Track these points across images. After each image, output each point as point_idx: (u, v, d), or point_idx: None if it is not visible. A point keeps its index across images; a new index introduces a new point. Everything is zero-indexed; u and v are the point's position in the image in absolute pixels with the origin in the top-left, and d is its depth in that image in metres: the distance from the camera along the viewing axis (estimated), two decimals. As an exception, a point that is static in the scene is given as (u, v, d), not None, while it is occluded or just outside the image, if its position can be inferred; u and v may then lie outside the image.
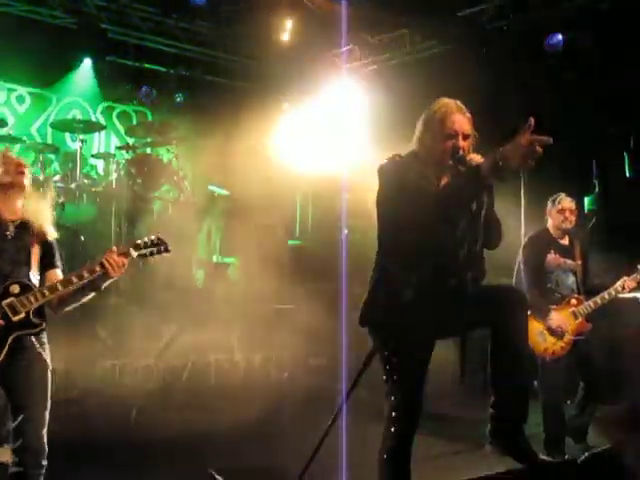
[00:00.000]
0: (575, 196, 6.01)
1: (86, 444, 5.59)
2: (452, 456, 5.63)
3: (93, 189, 7.29)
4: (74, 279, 3.52)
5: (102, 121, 9.69)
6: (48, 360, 3.62)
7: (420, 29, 9.36)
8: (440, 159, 3.44)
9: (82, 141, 7.50)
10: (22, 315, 3.45)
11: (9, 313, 3.42)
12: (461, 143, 3.42)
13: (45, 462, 3.59)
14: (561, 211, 5.66)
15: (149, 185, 7.49)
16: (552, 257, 5.65)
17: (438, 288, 3.44)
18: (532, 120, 3.12)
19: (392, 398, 3.54)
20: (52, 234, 3.74)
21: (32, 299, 3.46)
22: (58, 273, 3.70)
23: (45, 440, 3.57)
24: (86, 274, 3.53)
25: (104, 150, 9.67)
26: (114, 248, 3.61)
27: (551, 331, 5.46)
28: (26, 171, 3.70)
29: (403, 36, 9.78)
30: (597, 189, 8.89)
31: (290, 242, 9.02)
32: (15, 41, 8.72)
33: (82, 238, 6.67)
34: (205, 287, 8.05)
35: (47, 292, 3.50)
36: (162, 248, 3.74)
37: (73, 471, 5.09)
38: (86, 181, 7.32)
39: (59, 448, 5.29)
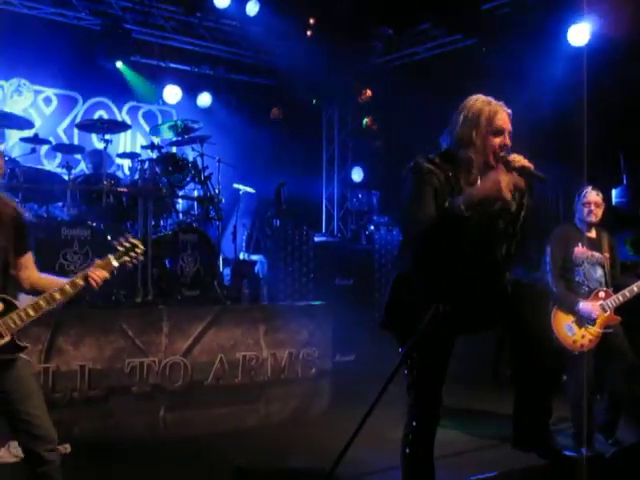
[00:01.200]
0: (603, 189, 5.98)
1: (114, 442, 5.65)
2: (477, 451, 5.60)
3: (119, 189, 7.32)
4: (57, 296, 3.47)
5: (128, 121, 9.76)
6: (26, 357, 3.53)
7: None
8: (487, 158, 3.40)
9: (108, 141, 7.53)
10: (8, 339, 3.37)
11: None
12: (508, 140, 3.41)
13: (63, 450, 3.57)
14: (587, 204, 5.65)
15: (174, 184, 7.51)
16: (579, 250, 5.62)
17: (466, 294, 3.39)
18: (513, 157, 3.25)
19: (412, 393, 3.55)
20: (24, 216, 3.62)
21: (17, 321, 3.38)
22: (30, 256, 3.65)
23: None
24: (69, 289, 3.50)
25: (129, 150, 9.75)
26: (97, 261, 3.59)
27: (581, 321, 5.43)
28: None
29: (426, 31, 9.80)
30: (625, 181, 8.79)
31: (317, 238, 9.00)
32: (41, 43, 8.82)
33: (109, 238, 6.70)
34: (232, 284, 8.06)
35: (32, 312, 3.42)
36: (138, 252, 3.71)
37: (102, 469, 5.16)
38: (112, 181, 7.35)
39: (88, 446, 5.41)
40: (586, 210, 5.66)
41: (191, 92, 10.41)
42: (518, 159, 3.31)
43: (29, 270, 3.63)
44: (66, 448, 5.08)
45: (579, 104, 8.75)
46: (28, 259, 3.64)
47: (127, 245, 3.68)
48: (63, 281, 3.55)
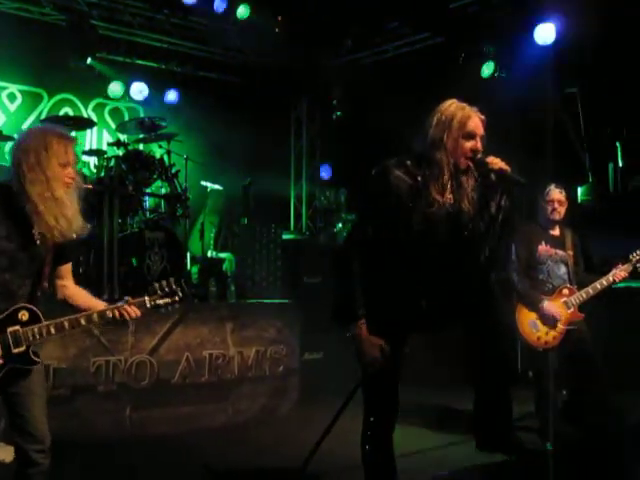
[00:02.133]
0: (568, 187, 6.08)
1: (80, 441, 5.59)
2: (446, 448, 5.64)
3: (85, 186, 7.23)
4: (82, 322, 3.42)
5: (94, 118, 9.68)
6: (39, 359, 3.45)
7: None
8: (458, 160, 3.44)
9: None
10: (22, 348, 3.30)
11: (11, 343, 3.27)
12: (479, 145, 3.46)
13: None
14: (550, 202, 5.73)
15: (141, 181, 7.45)
16: (543, 248, 5.69)
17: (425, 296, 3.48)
18: (491, 160, 3.38)
19: (367, 390, 3.60)
20: (80, 229, 3.57)
21: (37, 335, 3.32)
22: (69, 267, 3.64)
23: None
24: (96, 319, 3.45)
25: (96, 147, 9.65)
26: (130, 299, 3.52)
27: (544, 320, 5.49)
28: None
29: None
30: (590, 179, 8.91)
31: (285, 236, 9.00)
32: (5, 39, 8.70)
33: (73, 236, 6.63)
34: (200, 283, 8.03)
35: (53, 330, 3.35)
36: (176, 300, 3.60)
37: (69, 468, 5.10)
38: (79, 178, 7.27)
39: (55, 445, 5.34)
40: (550, 208, 5.73)
41: (158, 89, 10.34)
42: (495, 162, 3.39)
43: (65, 280, 3.61)
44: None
45: (545, 102, 8.90)
46: (66, 269, 3.62)
47: (167, 290, 3.58)
48: (96, 302, 3.54)
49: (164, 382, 6.25)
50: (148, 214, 7.79)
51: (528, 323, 5.52)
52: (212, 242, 9.22)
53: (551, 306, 5.51)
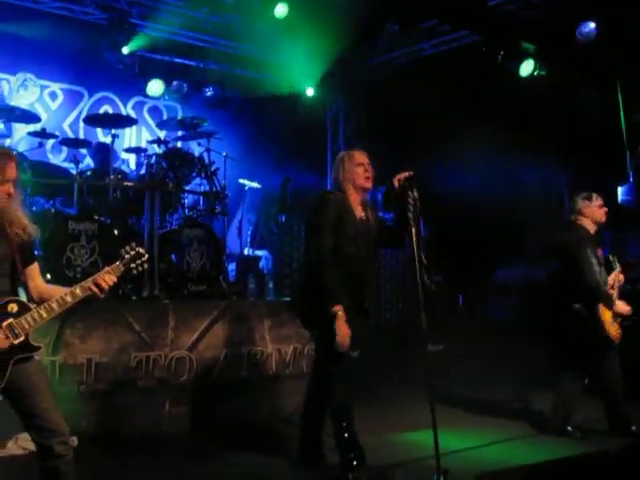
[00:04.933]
0: (608, 187, 6.10)
1: (120, 435, 5.68)
2: (488, 447, 5.64)
3: (126, 183, 7.33)
4: (69, 299, 3.55)
5: (133, 115, 9.78)
6: (39, 358, 3.63)
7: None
8: (357, 183, 4.87)
9: (114, 136, 7.55)
10: (22, 338, 3.44)
11: (10, 336, 3.42)
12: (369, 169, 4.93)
13: (71, 442, 3.61)
14: (601, 206, 5.83)
15: (180, 179, 7.52)
16: (600, 252, 5.82)
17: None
18: (397, 178, 4.78)
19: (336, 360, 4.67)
20: (33, 232, 3.71)
21: (31, 321, 3.46)
22: (36, 266, 3.75)
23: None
24: (79, 292, 3.58)
25: (135, 145, 9.76)
26: (107, 268, 3.68)
27: (618, 315, 5.77)
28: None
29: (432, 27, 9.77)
30: (631, 179, 8.82)
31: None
32: (47, 38, 8.83)
33: (116, 232, 6.72)
34: (238, 280, 8.08)
35: (44, 314, 3.50)
36: (143, 260, 3.79)
37: (108, 460, 5.18)
38: (119, 175, 7.37)
39: (95, 439, 5.44)
40: (602, 212, 5.89)
41: (197, 87, 10.41)
42: (398, 177, 4.76)
43: (35, 280, 3.72)
44: (73, 441, 5.07)
45: (585, 100, 8.80)
46: (34, 269, 3.73)
47: (133, 253, 3.76)
48: (70, 288, 3.62)
49: (203, 378, 6.29)
50: (187, 211, 7.86)
51: (610, 322, 5.68)
52: (249, 239, 9.27)
53: (620, 304, 5.78)
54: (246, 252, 9.02)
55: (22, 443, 5.01)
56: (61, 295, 3.55)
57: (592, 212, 5.87)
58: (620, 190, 8.65)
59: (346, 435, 4.71)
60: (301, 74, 10.53)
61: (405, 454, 5.34)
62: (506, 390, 7.56)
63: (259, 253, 9.22)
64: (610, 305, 5.70)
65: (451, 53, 9.83)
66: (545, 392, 6.84)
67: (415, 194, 4.64)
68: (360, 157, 4.95)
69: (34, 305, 3.54)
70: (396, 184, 4.77)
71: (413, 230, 4.55)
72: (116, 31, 9.22)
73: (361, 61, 10.50)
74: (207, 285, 7.16)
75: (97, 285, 3.60)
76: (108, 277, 3.64)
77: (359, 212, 4.90)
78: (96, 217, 6.72)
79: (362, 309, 4.89)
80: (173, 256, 7.08)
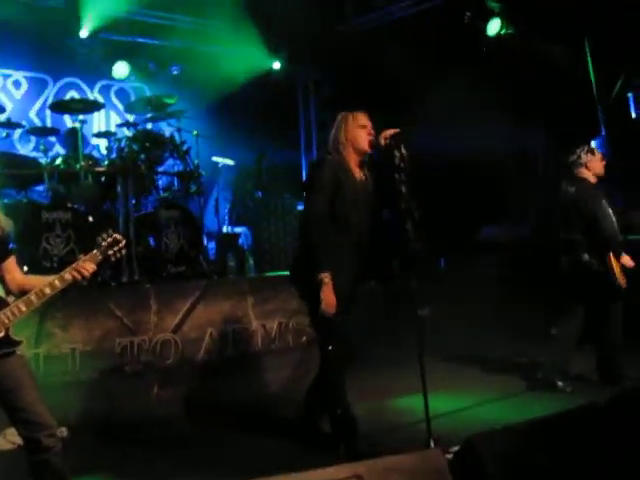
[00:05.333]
0: (581, 141, 6.14)
1: (110, 422, 5.65)
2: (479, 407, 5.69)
3: (97, 169, 7.24)
4: (48, 291, 3.51)
5: (100, 100, 9.63)
6: (21, 352, 3.57)
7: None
8: (359, 145, 4.69)
9: (82, 121, 7.43)
10: (2, 334, 3.40)
11: None
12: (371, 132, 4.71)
13: (59, 434, 3.58)
14: (602, 159, 5.93)
15: (153, 160, 7.44)
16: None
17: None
18: (383, 134, 4.63)
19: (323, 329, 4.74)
20: (6, 226, 3.67)
21: (10, 316, 3.42)
22: (13, 259, 3.69)
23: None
24: (58, 284, 3.53)
25: (105, 129, 9.62)
26: (82, 256, 3.64)
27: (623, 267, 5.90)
28: None
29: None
30: (603, 132, 8.84)
31: (300, 207, 8.96)
32: (6, 26, 8.63)
33: (90, 219, 6.65)
34: (218, 258, 8.04)
35: (23, 307, 3.45)
36: (121, 246, 3.76)
37: (101, 449, 5.16)
38: (90, 161, 7.27)
39: (84, 428, 5.40)
40: (602, 164, 6.02)
41: (162, 66, 10.26)
42: (384, 134, 4.63)
43: (12, 273, 3.67)
44: (62, 432, 5.05)
45: (554, 55, 8.78)
46: (11, 263, 3.68)
47: (110, 240, 3.72)
48: (49, 278, 3.58)
49: (189, 359, 6.28)
50: (162, 193, 7.78)
51: (619, 271, 5.80)
52: (227, 217, 9.21)
53: (626, 258, 5.92)
54: (224, 230, 8.96)
55: (11, 437, 4.95)
56: (40, 287, 3.51)
57: (594, 165, 5.98)
58: (593, 143, 8.66)
59: (338, 410, 4.71)
60: (268, 47, 10.40)
61: (395, 420, 5.37)
62: (494, 348, 7.61)
63: (237, 230, 9.17)
64: (620, 255, 5.81)
65: (420, 15, 9.71)
66: (532, 347, 6.93)
67: (403, 151, 4.50)
68: (363, 119, 4.77)
69: (12, 299, 3.49)
70: (382, 142, 4.64)
71: (403, 189, 4.45)
72: (74, 14, 9.05)
73: (328, 28, 10.36)
74: (187, 266, 7.12)
75: (77, 273, 3.56)
76: (88, 264, 3.60)
77: (357, 173, 4.76)
78: (69, 205, 6.64)
79: (362, 275, 4.79)
80: (150, 239, 7.03)
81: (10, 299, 3.51)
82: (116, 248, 3.73)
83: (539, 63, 8.80)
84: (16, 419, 3.49)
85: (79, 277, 3.57)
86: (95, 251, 3.67)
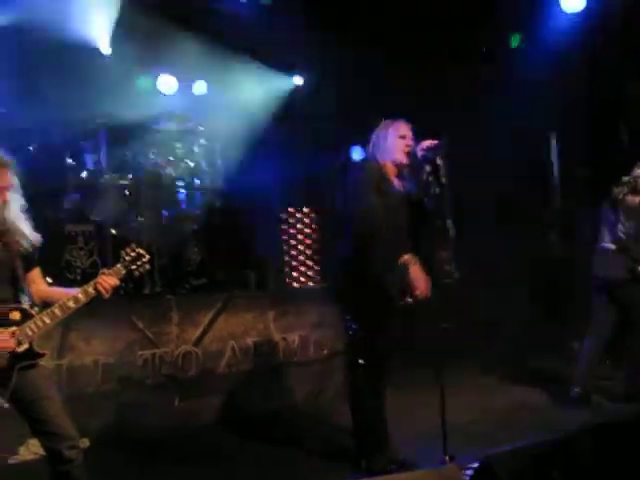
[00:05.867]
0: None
1: (132, 434, 5.66)
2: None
3: (121, 181, 7.31)
4: (71, 304, 3.53)
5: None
6: (44, 363, 3.59)
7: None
8: (396, 156, 4.58)
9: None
10: (26, 346, 3.42)
11: (14, 345, 3.39)
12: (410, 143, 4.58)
13: (81, 445, 3.60)
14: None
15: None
16: None
17: None
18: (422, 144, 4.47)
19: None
20: (34, 239, 3.69)
21: (34, 328, 3.44)
22: (38, 271, 3.74)
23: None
24: (82, 297, 3.56)
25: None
26: (106, 270, 3.65)
27: None
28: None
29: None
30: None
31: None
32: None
33: (113, 231, 6.71)
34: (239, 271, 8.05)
35: (48, 320, 3.47)
36: (144, 261, 3.76)
37: (121, 461, 5.18)
38: (113, 175, 7.34)
39: (106, 440, 5.42)
40: None
41: (186, 82, 10.28)
42: (422, 145, 4.49)
43: (37, 284, 3.71)
44: (84, 442, 5.08)
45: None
46: (35, 274, 3.72)
47: (133, 255, 3.74)
48: (72, 291, 3.61)
49: (210, 371, 6.29)
50: (184, 205, 7.82)
51: None
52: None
53: None
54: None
55: (33, 448, 5.00)
56: (64, 300, 3.53)
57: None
58: None
59: (360, 420, 4.66)
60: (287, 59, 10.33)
61: (412, 436, 5.29)
62: (520, 360, 7.53)
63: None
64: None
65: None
66: (557, 361, 6.88)
67: (439, 162, 4.35)
68: (404, 128, 4.64)
69: (36, 310, 3.52)
70: (419, 153, 4.50)
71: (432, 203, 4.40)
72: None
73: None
74: (207, 278, 7.15)
75: (97, 289, 3.58)
76: (110, 279, 3.61)
77: (396, 183, 4.62)
78: (92, 218, 6.69)
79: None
80: (172, 251, 7.07)
81: (34, 310, 3.54)
82: (139, 263, 3.74)
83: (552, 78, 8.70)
84: (38, 430, 3.52)
85: (103, 291, 3.59)
86: (119, 265, 3.69)
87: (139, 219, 7.20)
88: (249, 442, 5.60)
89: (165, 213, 7.61)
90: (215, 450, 5.49)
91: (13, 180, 3.61)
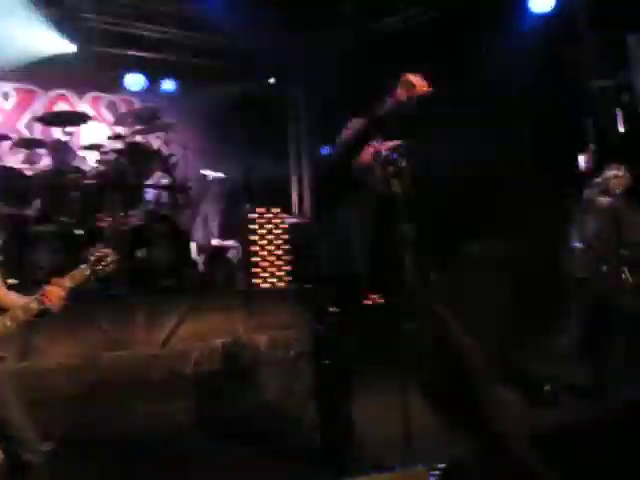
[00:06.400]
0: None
1: (96, 438, 5.58)
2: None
3: (85, 181, 7.21)
4: (20, 314, 3.47)
5: (89, 112, 9.59)
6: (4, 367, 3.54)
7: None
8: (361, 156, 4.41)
9: (70, 134, 7.41)
10: None
11: None
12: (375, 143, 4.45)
13: (44, 448, 3.53)
14: None
15: (141, 173, 7.41)
16: None
17: None
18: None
19: None
20: None
21: None
22: None
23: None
24: (26, 311, 3.50)
25: (93, 141, 9.57)
26: (53, 279, 3.59)
27: None
28: None
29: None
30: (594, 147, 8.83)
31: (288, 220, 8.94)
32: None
33: (77, 232, 6.63)
34: (207, 271, 8.01)
35: (9, 322, 3.42)
36: (109, 260, 3.72)
37: (86, 464, 5.09)
38: (77, 174, 7.24)
39: (71, 444, 5.33)
40: None
41: (154, 79, 10.24)
42: (385, 146, 4.39)
43: None
44: (48, 446, 5.01)
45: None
46: None
47: (99, 254, 3.70)
48: (25, 299, 3.55)
49: (177, 373, 6.23)
50: (150, 206, 7.75)
51: None
52: (216, 230, 9.18)
53: None
54: (214, 243, 8.92)
55: None
56: (27, 303, 3.48)
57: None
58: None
59: (329, 421, 4.65)
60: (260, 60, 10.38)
61: (379, 438, 5.26)
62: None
63: (227, 243, 9.13)
64: None
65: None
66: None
67: (403, 165, 4.27)
68: None
69: None
70: (383, 154, 4.41)
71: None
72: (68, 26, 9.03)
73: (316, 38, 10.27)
74: (175, 279, 7.09)
75: (46, 300, 3.52)
76: (55, 290, 3.54)
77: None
78: (56, 218, 6.60)
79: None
80: (139, 252, 6.99)
81: None
82: (104, 263, 3.71)
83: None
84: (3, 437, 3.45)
85: (48, 303, 3.51)
86: (83, 266, 3.65)
87: (106, 219, 7.11)
88: (218, 444, 5.55)
89: (132, 212, 7.55)
90: (185, 453, 5.43)
91: None
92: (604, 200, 5.86)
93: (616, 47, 7.99)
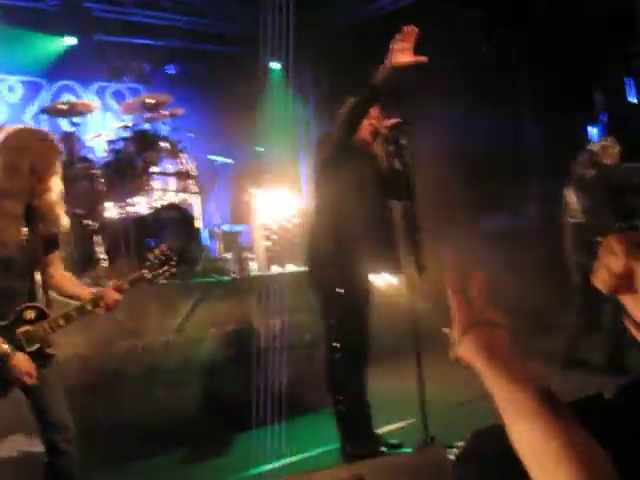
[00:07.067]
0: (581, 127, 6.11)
1: (115, 427, 5.61)
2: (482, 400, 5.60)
3: (93, 171, 7.20)
4: (89, 307, 3.48)
5: (96, 102, 9.56)
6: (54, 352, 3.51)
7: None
8: (360, 134, 4.48)
9: (77, 124, 7.39)
10: (37, 346, 3.33)
11: (24, 344, 3.29)
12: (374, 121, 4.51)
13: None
14: None
15: (149, 161, 7.39)
16: None
17: None
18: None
19: None
20: (65, 224, 3.64)
21: (48, 330, 3.35)
22: (58, 255, 3.66)
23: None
24: (90, 308, 3.50)
25: (100, 131, 9.55)
26: (110, 283, 3.58)
27: None
28: None
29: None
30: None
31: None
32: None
33: (86, 222, 6.62)
34: (219, 257, 7.99)
35: (62, 322, 3.40)
36: (172, 264, 3.64)
37: (105, 453, 5.13)
38: (85, 164, 7.23)
39: (88, 433, 5.35)
40: None
41: (158, 66, 10.20)
42: (385, 124, 4.42)
43: (54, 268, 3.61)
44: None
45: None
46: (55, 257, 3.64)
47: (162, 258, 3.63)
48: (85, 289, 3.57)
49: (192, 360, 6.23)
50: (160, 193, 7.73)
51: None
52: (227, 215, 9.16)
53: None
54: (225, 228, 8.91)
55: (13, 444, 4.93)
56: (83, 304, 3.47)
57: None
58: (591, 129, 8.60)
59: (343, 405, 4.63)
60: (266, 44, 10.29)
61: (394, 418, 5.26)
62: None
63: (238, 228, 9.11)
64: None
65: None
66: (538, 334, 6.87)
67: (403, 142, 4.31)
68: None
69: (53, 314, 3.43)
70: (383, 132, 4.47)
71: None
72: (70, 17, 9.01)
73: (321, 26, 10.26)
74: (187, 266, 7.07)
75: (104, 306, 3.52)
76: (114, 295, 3.53)
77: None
78: (67, 209, 6.59)
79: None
80: (150, 241, 6.98)
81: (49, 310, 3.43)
82: (166, 267, 3.62)
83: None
84: (38, 419, 3.47)
85: (105, 310, 3.53)
86: (144, 271, 3.59)
87: (114, 209, 7.11)
88: (234, 429, 5.57)
89: (141, 200, 7.54)
90: (199, 438, 5.46)
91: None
92: (589, 172, 5.77)
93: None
